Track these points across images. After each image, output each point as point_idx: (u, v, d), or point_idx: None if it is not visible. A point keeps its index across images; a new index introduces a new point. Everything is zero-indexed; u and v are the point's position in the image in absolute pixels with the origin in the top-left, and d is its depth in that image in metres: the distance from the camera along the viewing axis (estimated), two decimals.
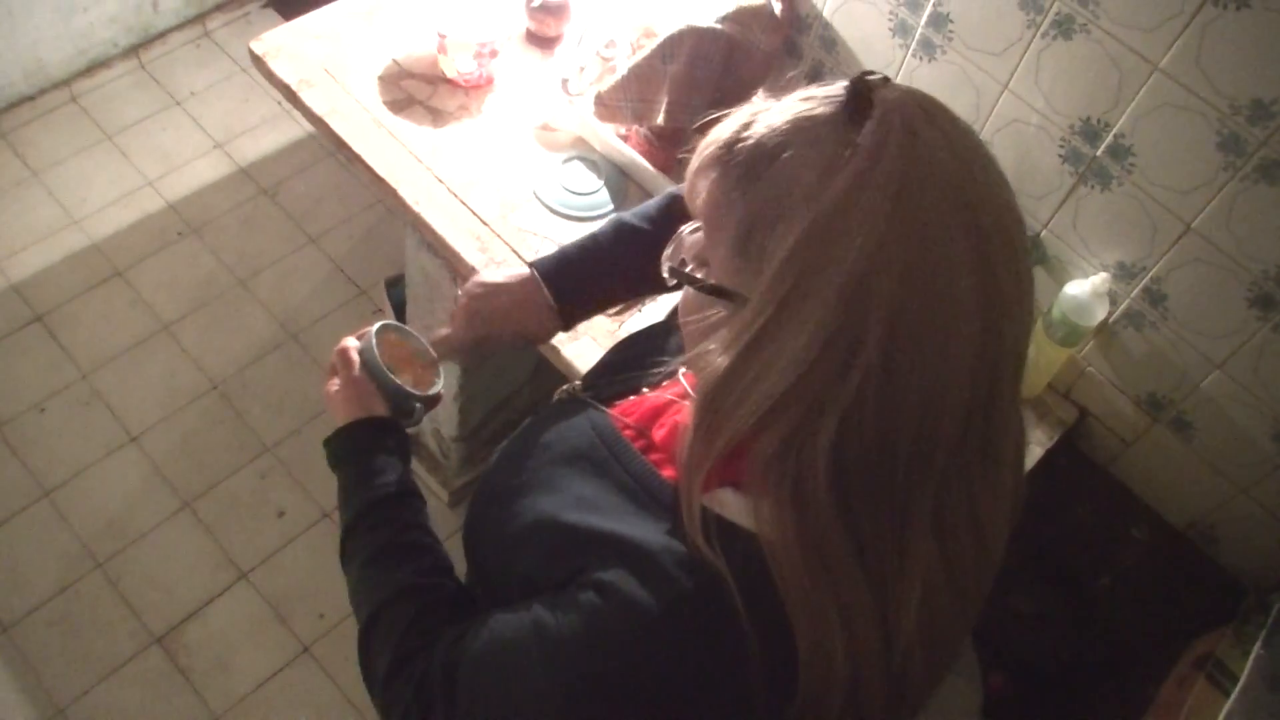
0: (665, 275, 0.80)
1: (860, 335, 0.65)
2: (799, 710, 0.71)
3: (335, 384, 1.09)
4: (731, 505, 0.75)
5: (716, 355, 0.71)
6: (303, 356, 2.55)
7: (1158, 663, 1.64)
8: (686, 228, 0.81)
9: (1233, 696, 1.37)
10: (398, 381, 1.08)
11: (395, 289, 2.44)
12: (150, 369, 2.48)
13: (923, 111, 0.68)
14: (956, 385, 0.67)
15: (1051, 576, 1.87)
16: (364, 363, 1.08)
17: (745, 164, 0.71)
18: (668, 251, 0.81)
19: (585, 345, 1.59)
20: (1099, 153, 1.45)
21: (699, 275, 0.77)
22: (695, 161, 0.76)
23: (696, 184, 0.76)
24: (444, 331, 1.14)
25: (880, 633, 0.70)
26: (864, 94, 0.69)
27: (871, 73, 0.70)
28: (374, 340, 1.08)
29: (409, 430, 1.10)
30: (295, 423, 2.45)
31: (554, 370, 1.65)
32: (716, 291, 0.74)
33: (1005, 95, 1.52)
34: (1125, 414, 1.64)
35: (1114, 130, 1.41)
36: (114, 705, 2.04)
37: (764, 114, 0.73)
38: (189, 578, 2.21)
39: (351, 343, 1.10)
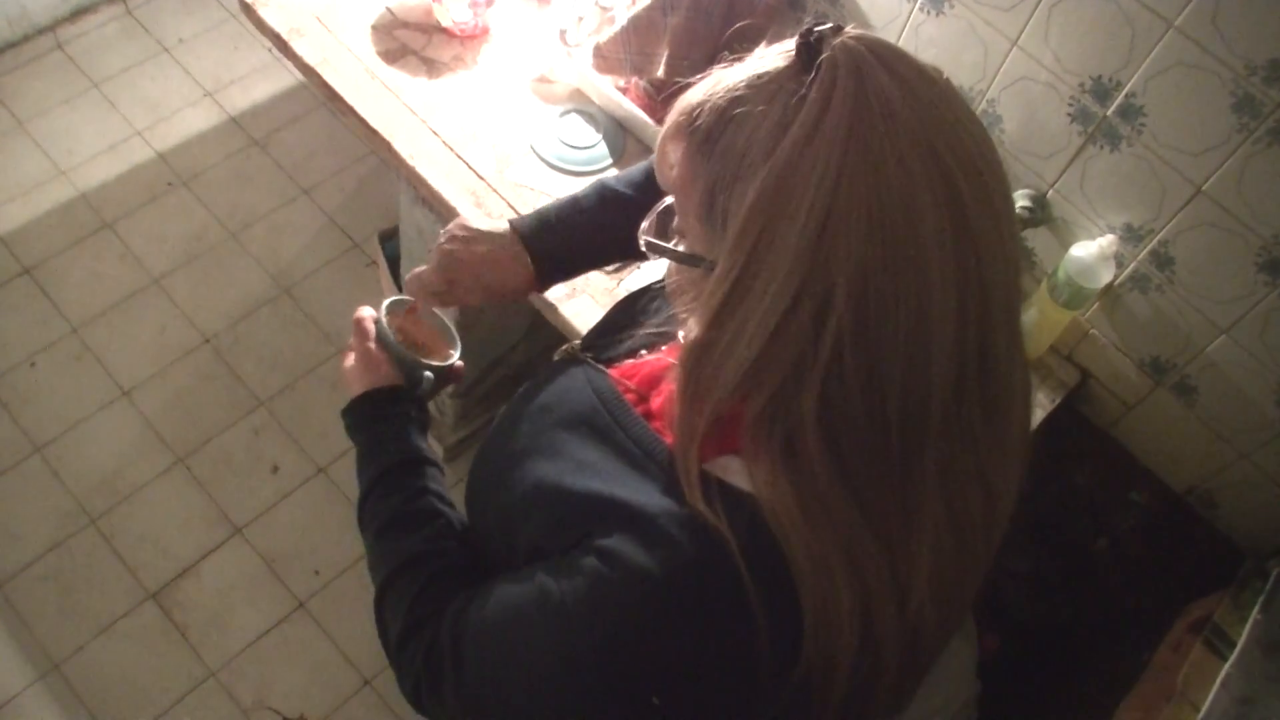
0: (642, 247, 0.80)
1: (828, 289, 0.64)
2: (805, 671, 0.71)
3: (351, 358, 1.09)
4: (735, 471, 0.74)
5: (692, 324, 0.71)
6: (295, 311, 2.52)
7: (1153, 626, 1.64)
8: (663, 202, 0.81)
9: (1229, 661, 1.37)
10: (406, 351, 1.08)
11: (389, 242, 2.41)
12: (141, 323, 2.45)
13: (873, 56, 0.66)
14: (940, 335, 0.66)
15: (1048, 538, 1.87)
16: (377, 334, 1.09)
17: (705, 129, 0.70)
18: (645, 225, 0.81)
19: (583, 303, 1.56)
20: (1109, 112, 1.42)
21: (673, 245, 0.78)
22: (663, 133, 0.76)
23: (666, 156, 0.76)
24: (419, 269, 1.13)
25: (893, 589, 0.70)
26: (813, 45, 0.67)
27: (822, 22, 0.68)
28: (384, 312, 1.09)
29: (424, 398, 1.11)
30: (288, 377, 2.43)
31: (549, 327, 1.63)
32: (688, 260, 0.75)
33: (1014, 52, 1.48)
34: (1128, 377, 1.62)
35: (1125, 89, 1.38)
36: (109, 661, 2.04)
37: (725, 76, 0.72)
38: (183, 534, 2.20)
39: (367, 312, 1.10)
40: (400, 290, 2.22)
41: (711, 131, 0.70)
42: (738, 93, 0.69)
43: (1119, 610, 1.83)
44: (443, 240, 1.12)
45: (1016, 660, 1.93)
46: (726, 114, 0.69)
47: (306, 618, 2.15)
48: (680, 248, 0.78)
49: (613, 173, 1.39)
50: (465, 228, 1.13)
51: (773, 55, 0.70)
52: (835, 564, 0.69)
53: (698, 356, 0.70)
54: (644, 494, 0.75)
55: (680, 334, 0.89)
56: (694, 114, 0.71)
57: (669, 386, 0.83)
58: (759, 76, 0.69)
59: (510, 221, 1.12)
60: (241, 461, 2.31)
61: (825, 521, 0.69)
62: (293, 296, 2.55)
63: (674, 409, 0.74)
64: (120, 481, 2.24)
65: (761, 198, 0.66)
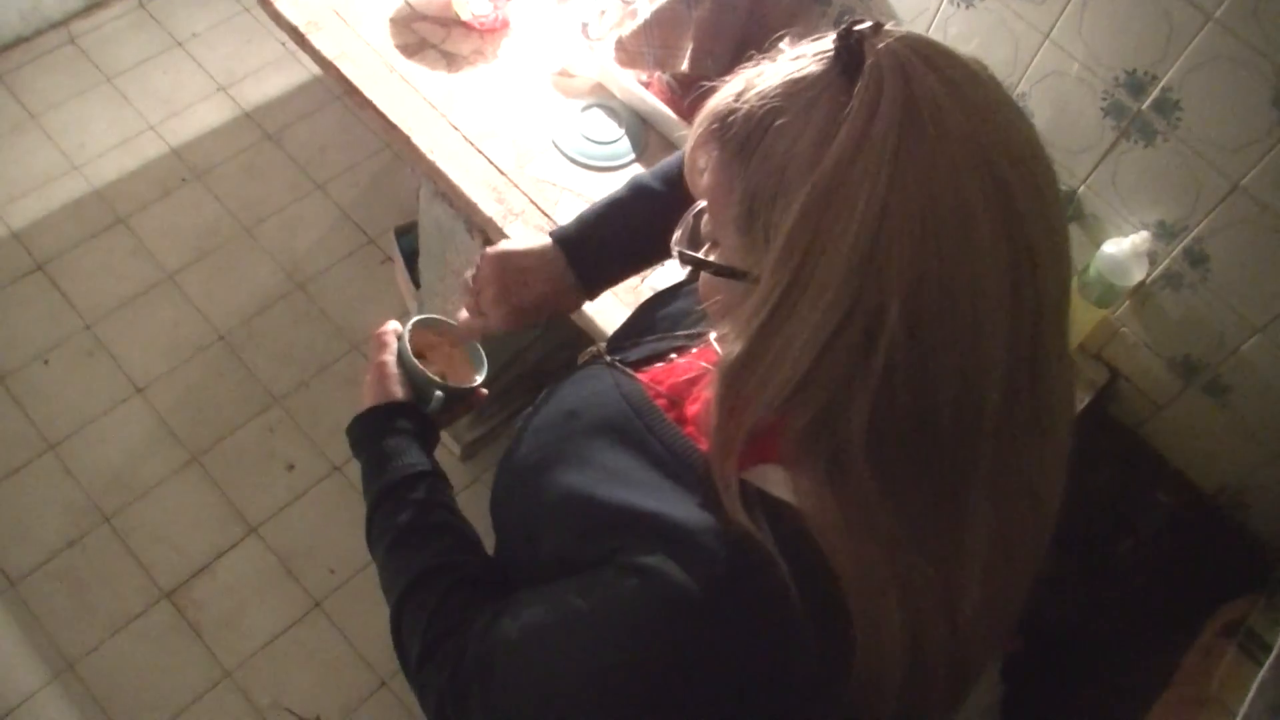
0: (676, 259, 0.77)
1: (880, 306, 0.62)
2: (855, 689, 0.69)
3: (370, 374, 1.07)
4: (776, 481, 0.71)
5: (732, 338, 0.69)
6: (310, 306, 2.51)
7: (1180, 629, 1.61)
8: (694, 208, 0.78)
9: (1265, 666, 1.35)
10: (419, 367, 1.06)
11: (405, 237, 2.39)
12: (154, 319, 2.44)
13: (920, 59, 0.63)
14: (994, 346, 0.64)
15: (1071, 538, 1.84)
16: (397, 350, 1.07)
17: (740, 137, 0.67)
18: (677, 235, 0.78)
19: (606, 301, 1.54)
20: (1144, 107, 1.39)
21: (709, 257, 0.75)
22: (692, 138, 0.73)
23: (696, 161, 0.73)
24: (464, 315, 1.11)
25: (944, 606, 0.68)
26: (854, 47, 0.64)
27: (860, 20, 0.65)
28: (409, 328, 1.07)
29: (432, 416, 1.08)
30: (303, 374, 2.41)
31: (565, 325, 1.61)
32: (727, 273, 0.72)
33: (1046, 45, 1.45)
34: (1158, 376, 1.60)
35: (1161, 83, 1.36)
36: (124, 660, 2.02)
37: (756, 79, 0.69)
38: (197, 532, 2.18)
39: (392, 326, 1.08)
40: (416, 285, 2.20)
41: (748, 140, 0.67)
42: (774, 100, 0.66)
43: (1144, 612, 1.81)
44: (480, 264, 1.09)
45: (1040, 662, 1.91)
46: (764, 122, 0.66)
47: (322, 617, 2.13)
48: (713, 256, 0.75)
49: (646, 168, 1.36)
50: (506, 248, 1.09)
51: (808, 57, 0.67)
52: (885, 579, 0.67)
53: (738, 372, 0.68)
54: (680, 507, 0.72)
55: (713, 337, 0.87)
56: (727, 120, 0.69)
57: (705, 395, 0.81)
58: (795, 82, 0.66)
59: (550, 233, 1.10)
60: (255, 459, 2.29)
61: (871, 537, 0.66)
62: (306, 292, 2.53)
63: (710, 419, 0.72)
64: (133, 479, 2.22)
65: (808, 213, 0.63)
